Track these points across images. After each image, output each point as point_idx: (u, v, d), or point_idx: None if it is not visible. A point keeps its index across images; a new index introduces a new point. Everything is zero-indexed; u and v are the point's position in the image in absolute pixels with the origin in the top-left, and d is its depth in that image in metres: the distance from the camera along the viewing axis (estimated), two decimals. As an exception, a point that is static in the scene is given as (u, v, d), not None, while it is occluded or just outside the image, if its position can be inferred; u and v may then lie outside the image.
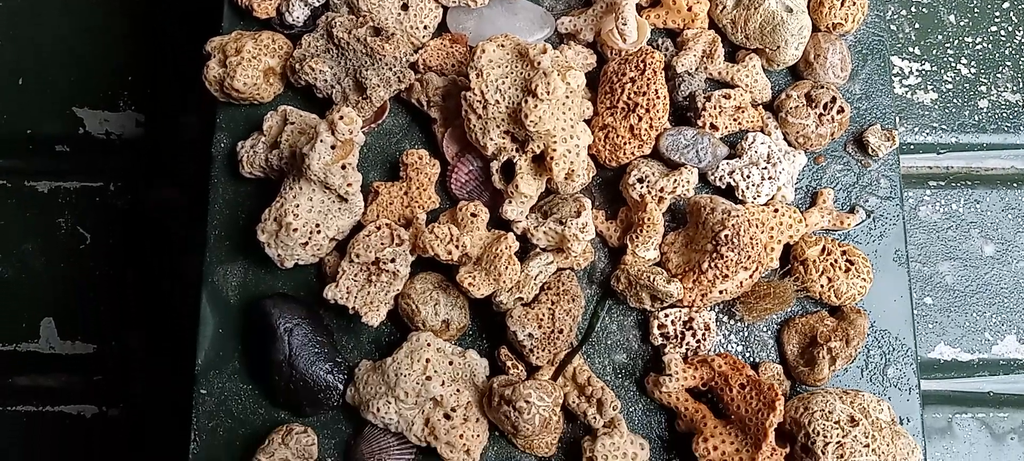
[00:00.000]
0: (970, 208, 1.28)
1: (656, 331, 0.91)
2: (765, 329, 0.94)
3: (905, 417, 0.92)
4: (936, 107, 1.28)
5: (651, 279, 0.88)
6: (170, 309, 1.28)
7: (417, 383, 0.88)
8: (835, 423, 0.84)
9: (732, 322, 0.94)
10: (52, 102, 1.31)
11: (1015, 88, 1.29)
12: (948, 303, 1.26)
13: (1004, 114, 1.28)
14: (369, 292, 0.89)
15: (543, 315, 0.89)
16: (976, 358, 1.25)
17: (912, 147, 1.27)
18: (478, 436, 0.89)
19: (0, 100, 1.30)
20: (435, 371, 0.88)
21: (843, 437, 0.83)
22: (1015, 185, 1.26)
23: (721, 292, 0.89)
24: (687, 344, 0.90)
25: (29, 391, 1.26)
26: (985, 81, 1.29)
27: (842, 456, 0.83)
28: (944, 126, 1.27)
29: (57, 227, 1.30)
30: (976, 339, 1.26)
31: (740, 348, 0.93)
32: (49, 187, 1.30)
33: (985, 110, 1.28)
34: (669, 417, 0.92)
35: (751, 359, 0.93)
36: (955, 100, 1.28)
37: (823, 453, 0.83)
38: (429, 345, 0.89)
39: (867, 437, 0.84)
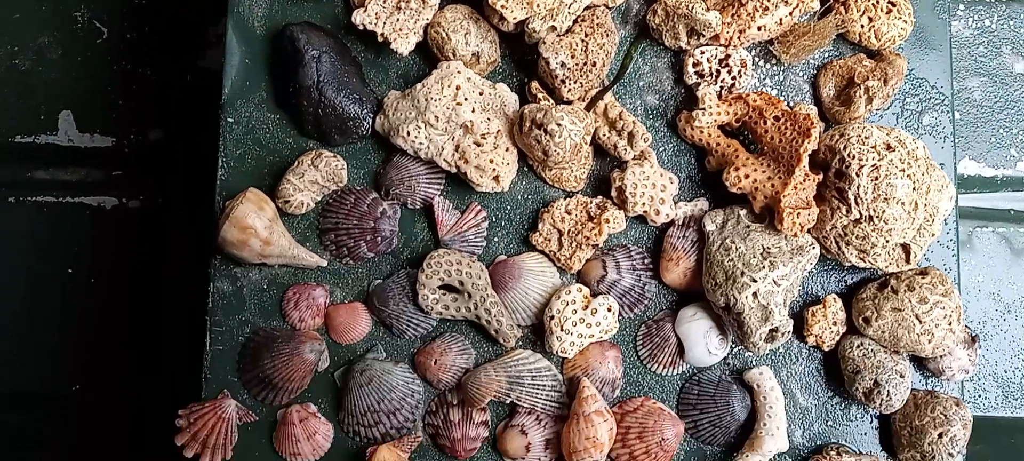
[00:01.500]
0: (1003, 24, 1.25)
1: (691, 69, 0.90)
2: (800, 74, 0.92)
3: (939, 163, 0.92)
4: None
5: (690, 7, 0.86)
6: (189, 104, 1.27)
7: (447, 108, 0.87)
8: (872, 147, 0.83)
9: (768, 66, 0.92)
10: None
11: None
12: (975, 118, 1.25)
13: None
14: (398, 19, 0.88)
15: (576, 45, 0.87)
16: (1000, 174, 1.24)
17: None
18: (508, 164, 0.88)
19: None
20: (466, 98, 0.87)
21: (879, 161, 0.82)
22: (1052, -9, 1.24)
23: (760, 28, 0.87)
24: (722, 81, 0.89)
25: (49, 184, 1.26)
26: None
27: (877, 179, 0.82)
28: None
29: (74, 21, 1.28)
30: (1001, 155, 1.25)
31: (775, 92, 0.92)
32: (64, -22, 1.28)
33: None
34: (699, 157, 0.91)
35: (786, 103, 0.92)
36: None
37: (858, 176, 0.82)
38: (459, 73, 0.88)
39: (903, 163, 0.83)
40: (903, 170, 0.83)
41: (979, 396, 1.21)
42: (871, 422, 0.91)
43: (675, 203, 0.90)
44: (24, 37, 1.28)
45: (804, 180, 0.84)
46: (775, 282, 0.84)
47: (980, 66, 1.24)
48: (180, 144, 1.27)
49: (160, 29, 1.28)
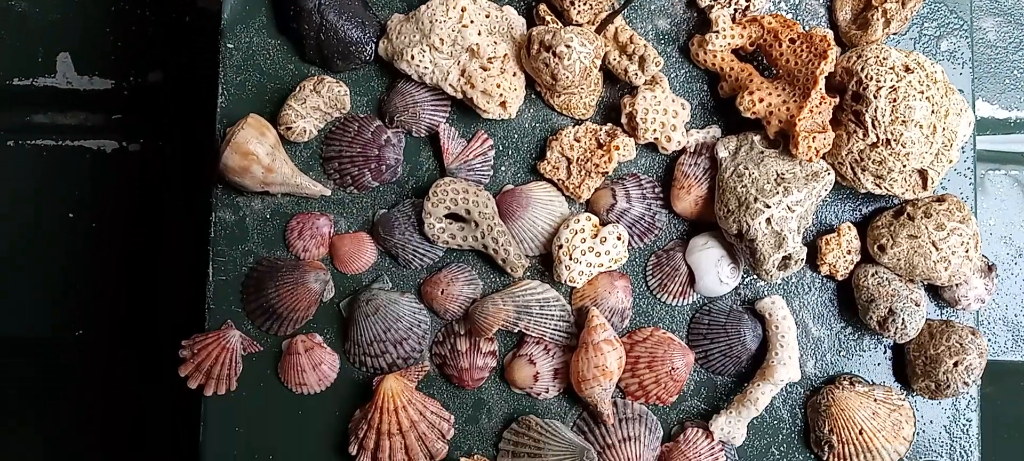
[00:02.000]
0: (1019, -38, 1.23)
1: (702, -8, 0.88)
2: (816, -2, 0.90)
3: (958, 88, 0.90)
4: None
5: (701, -75, 0.84)
6: (189, 45, 1.25)
7: (453, 30, 0.84)
8: (890, 69, 0.80)
9: (782, -11, 0.90)
10: None
11: None
12: (989, 59, 1.22)
13: None
14: (403, -61, 0.85)
15: (586, -34, 0.85)
16: (1014, 116, 1.22)
17: None
18: (515, 89, 0.86)
19: None
20: (472, 20, 0.85)
21: (897, 82, 0.80)
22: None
23: (773, -52, 0.85)
24: (736, 4, 0.87)
25: (48, 128, 1.24)
26: None
27: (895, 101, 0.80)
28: None
29: (70, -39, 1.26)
30: (1016, 97, 1.23)
31: (790, 16, 0.90)
32: (59, -82, 1.25)
33: None
34: (711, 83, 0.89)
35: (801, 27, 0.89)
36: None
37: (875, 97, 0.80)
38: (465, -5, 0.86)
39: (922, 85, 0.81)
40: (922, 92, 0.80)
41: (989, 340, 1.20)
42: (884, 353, 0.90)
43: (687, 130, 0.88)
44: (20, -23, 1.26)
45: (820, 104, 0.82)
46: (789, 208, 0.82)
47: (995, 5, 1.22)
48: (180, 86, 1.25)
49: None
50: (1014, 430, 1.22)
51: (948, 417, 0.89)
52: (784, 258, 0.83)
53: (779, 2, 0.90)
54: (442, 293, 0.88)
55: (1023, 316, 1.20)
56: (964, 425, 0.89)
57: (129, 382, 1.22)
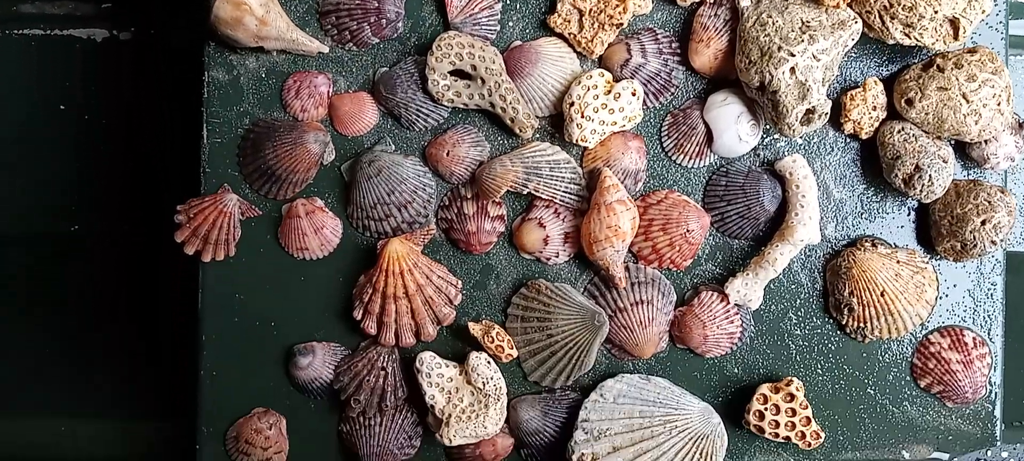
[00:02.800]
0: None
1: None
2: None
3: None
4: None
5: None
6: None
7: None
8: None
9: None
10: None
11: None
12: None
13: None
14: None
15: None
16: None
17: None
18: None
19: None
20: None
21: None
22: None
23: None
24: None
25: (35, 17, 1.19)
26: None
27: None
28: None
29: None
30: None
31: None
32: None
33: None
34: (733, -70, 0.84)
35: None
36: None
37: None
38: None
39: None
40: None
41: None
42: (908, 215, 0.87)
43: (705, -20, 0.83)
44: None
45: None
46: (814, 57, 0.78)
47: None
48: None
49: None
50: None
51: (972, 281, 0.86)
52: (808, 111, 0.79)
53: None
54: (447, 155, 0.84)
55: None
56: (988, 289, 0.87)
57: (125, 279, 1.20)
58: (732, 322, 0.85)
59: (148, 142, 1.19)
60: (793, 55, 0.78)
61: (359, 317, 0.84)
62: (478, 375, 0.84)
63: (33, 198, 1.19)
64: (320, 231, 0.84)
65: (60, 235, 1.20)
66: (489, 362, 0.84)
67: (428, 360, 0.84)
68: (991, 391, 0.87)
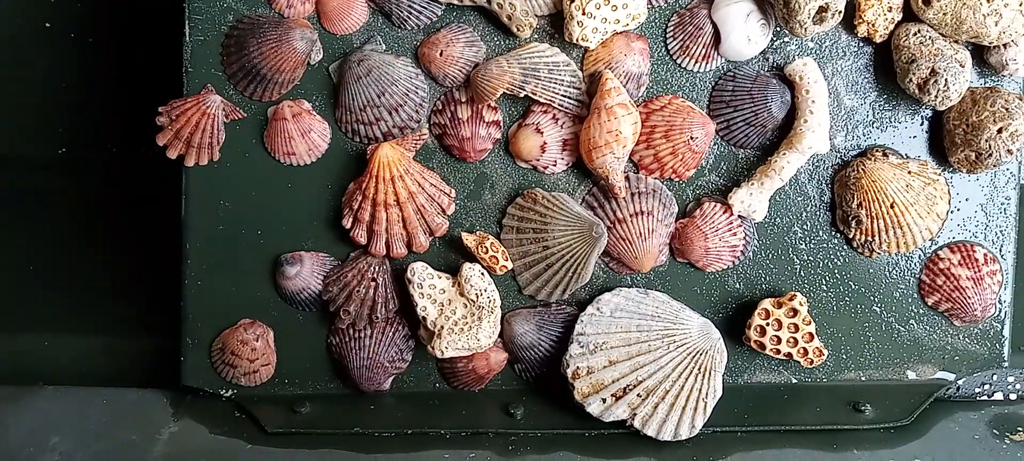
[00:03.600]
0: None
1: None
2: None
3: None
4: None
5: None
6: None
7: None
8: None
9: None
10: None
11: None
12: None
13: None
14: None
15: None
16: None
17: None
18: None
19: None
20: None
21: None
22: None
23: None
24: None
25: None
26: None
27: None
28: None
29: None
30: None
31: None
32: None
33: None
34: None
35: None
36: None
37: None
38: None
39: None
40: None
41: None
42: (921, 124, 0.83)
43: None
44: None
45: None
46: (829, -50, 0.74)
47: None
48: None
49: None
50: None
51: (985, 195, 0.83)
52: (821, 8, 0.75)
53: None
54: (441, 55, 0.80)
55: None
56: (1002, 204, 0.83)
57: (114, 202, 1.16)
58: (735, 234, 0.82)
59: (138, 58, 1.15)
60: (807, -52, 0.73)
61: (348, 225, 0.81)
62: (471, 287, 0.81)
63: (19, 122, 1.16)
64: (307, 135, 0.81)
65: (47, 159, 1.16)
66: (483, 273, 0.82)
67: (420, 271, 0.81)
68: (1000, 310, 0.85)
